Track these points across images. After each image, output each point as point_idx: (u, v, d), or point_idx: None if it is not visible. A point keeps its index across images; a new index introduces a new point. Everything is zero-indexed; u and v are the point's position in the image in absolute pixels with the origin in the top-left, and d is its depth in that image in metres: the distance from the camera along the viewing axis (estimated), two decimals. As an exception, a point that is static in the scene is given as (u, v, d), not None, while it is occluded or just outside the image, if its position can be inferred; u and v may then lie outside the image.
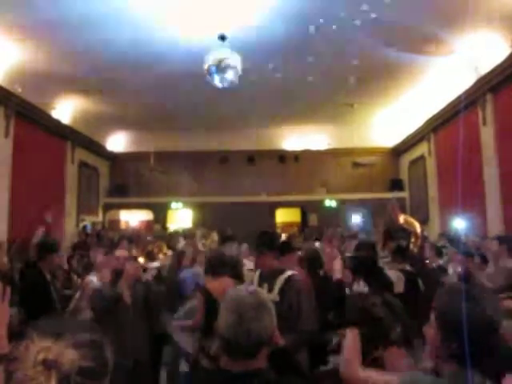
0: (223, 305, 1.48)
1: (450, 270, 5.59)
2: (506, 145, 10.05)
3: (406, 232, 4.19)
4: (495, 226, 10.05)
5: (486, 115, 10.71)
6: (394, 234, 4.10)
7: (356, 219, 15.74)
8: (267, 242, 3.35)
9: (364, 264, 3.45)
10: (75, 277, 5.81)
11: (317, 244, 8.37)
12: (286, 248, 4.38)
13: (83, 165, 15.36)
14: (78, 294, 4.24)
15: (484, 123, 10.82)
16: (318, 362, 3.41)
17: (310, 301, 3.26)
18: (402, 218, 4.30)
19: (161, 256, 7.01)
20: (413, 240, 4.14)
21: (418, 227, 4.26)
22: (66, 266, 6.06)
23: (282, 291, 3.05)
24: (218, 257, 3.52)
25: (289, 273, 3.20)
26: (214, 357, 1.66)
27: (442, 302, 1.49)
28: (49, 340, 0.87)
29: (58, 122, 12.94)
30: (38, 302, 3.69)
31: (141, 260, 5.45)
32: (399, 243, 3.92)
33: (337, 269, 3.01)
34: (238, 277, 3.77)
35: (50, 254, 4.14)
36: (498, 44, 9.32)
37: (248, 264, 6.15)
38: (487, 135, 10.72)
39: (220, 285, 3.35)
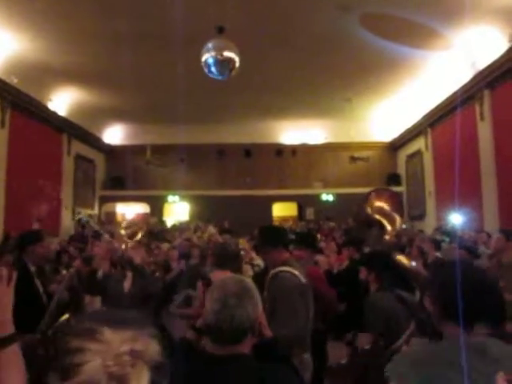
0: (209, 292, 1.51)
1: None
2: (503, 140, 10.07)
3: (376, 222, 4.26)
4: (491, 221, 10.09)
5: (484, 110, 10.72)
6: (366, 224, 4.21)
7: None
8: (269, 238, 3.22)
9: (378, 259, 3.41)
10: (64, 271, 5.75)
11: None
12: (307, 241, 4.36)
13: (79, 157, 15.30)
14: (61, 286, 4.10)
15: (481, 118, 10.84)
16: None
17: (296, 302, 2.83)
18: (374, 208, 4.35)
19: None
20: (389, 229, 4.18)
21: (393, 218, 4.30)
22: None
23: (267, 288, 2.95)
24: (223, 250, 3.51)
25: (279, 269, 2.98)
26: (199, 329, 1.67)
27: (437, 271, 1.64)
28: (127, 330, 0.83)
29: (54, 114, 12.87)
30: (22, 296, 3.56)
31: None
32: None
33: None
34: (239, 270, 3.76)
35: (31, 245, 3.80)
36: (496, 39, 9.31)
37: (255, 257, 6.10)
38: (484, 130, 10.74)
39: (222, 276, 3.37)
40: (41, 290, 3.80)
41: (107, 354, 0.78)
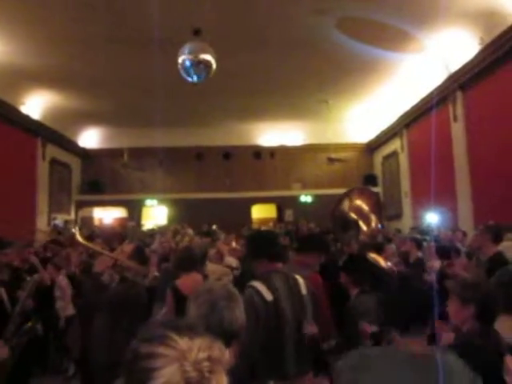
0: (194, 298, 1.49)
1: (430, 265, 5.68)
2: (475, 140, 10.32)
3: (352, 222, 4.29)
4: (466, 219, 10.32)
5: (457, 112, 10.97)
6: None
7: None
8: (250, 249, 3.00)
9: (353, 262, 3.37)
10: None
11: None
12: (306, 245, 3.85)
13: (54, 161, 14.98)
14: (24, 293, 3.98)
15: (455, 119, 11.08)
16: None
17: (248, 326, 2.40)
18: (349, 206, 4.39)
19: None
20: (365, 229, 4.23)
21: (370, 219, 4.35)
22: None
23: None
24: (187, 253, 3.46)
25: (249, 283, 2.65)
26: None
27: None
28: (200, 338, 0.86)
29: (27, 118, 12.59)
30: None
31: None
32: None
33: None
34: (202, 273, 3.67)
35: None
36: (468, 42, 9.54)
37: (230, 261, 6.01)
38: (458, 131, 10.99)
39: (189, 281, 3.30)
40: (5, 297, 3.75)
41: (185, 359, 0.80)
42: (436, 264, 5.03)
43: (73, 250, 6.16)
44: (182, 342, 0.83)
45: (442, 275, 4.45)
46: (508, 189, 8.85)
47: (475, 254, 5.14)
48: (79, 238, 3.97)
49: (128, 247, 4.17)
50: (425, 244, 6.16)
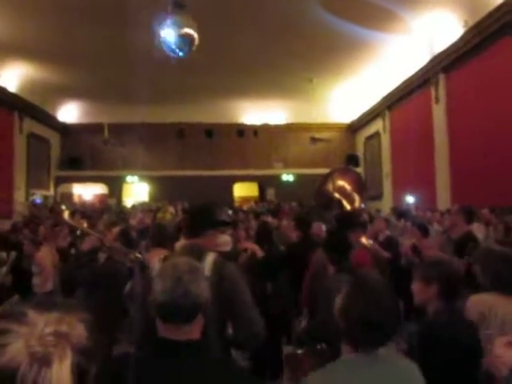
0: (158, 272, 1.51)
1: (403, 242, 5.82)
2: (456, 122, 10.45)
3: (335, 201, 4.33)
4: (444, 200, 10.51)
5: (439, 94, 11.05)
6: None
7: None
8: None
9: (332, 240, 3.39)
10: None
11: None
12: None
13: (32, 136, 14.63)
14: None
15: (436, 101, 11.17)
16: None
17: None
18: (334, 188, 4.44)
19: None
20: (348, 208, 4.29)
21: (353, 198, 4.42)
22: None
23: None
24: (160, 230, 3.48)
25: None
26: None
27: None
28: (53, 313, 0.84)
29: (4, 90, 12.21)
30: None
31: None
32: None
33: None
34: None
35: None
36: (452, 25, 9.56)
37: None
38: (439, 113, 11.09)
39: (155, 256, 3.33)
40: None
41: (31, 335, 0.79)
42: (406, 242, 5.15)
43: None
44: (33, 318, 0.82)
45: (414, 251, 4.57)
46: (486, 171, 9.03)
47: (447, 232, 5.27)
48: (66, 216, 3.98)
49: (114, 230, 4.22)
50: (399, 223, 6.28)
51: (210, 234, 2.39)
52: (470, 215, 4.33)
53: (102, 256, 3.75)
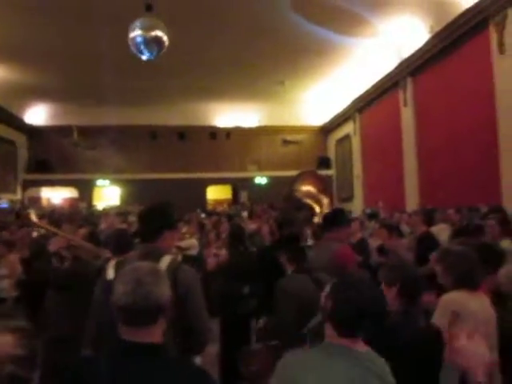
0: (119, 276, 1.51)
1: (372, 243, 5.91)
2: (423, 125, 10.72)
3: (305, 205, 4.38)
4: (412, 201, 10.75)
5: (407, 97, 11.31)
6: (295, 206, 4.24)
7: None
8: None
9: (291, 241, 3.43)
10: None
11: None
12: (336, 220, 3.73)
13: (-2, 138, 14.23)
14: None
15: (404, 104, 11.43)
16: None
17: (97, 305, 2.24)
18: (302, 191, 4.50)
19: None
20: (318, 211, 4.34)
21: (321, 200, 4.49)
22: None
23: None
24: (120, 237, 3.44)
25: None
26: None
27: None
28: None
29: (-34, 91, 11.84)
30: None
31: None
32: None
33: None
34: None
35: None
36: (419, 30, 9.80)
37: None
38: (407, 116, 11.36)
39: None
40: None
41: None
42: (375, 243, 5.24)
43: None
44: None
45: (382, 251, 4.66)
46: (452, 172, 9.29)
47: (413, 232, 5.40)
48: (34, 217, 3.90)
49: (82, 231, 4.14)
50: (370, 225, 6.39)
51: (167, 236, 2.31)
52: (428, 217, 4.45)
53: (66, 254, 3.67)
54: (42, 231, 5.34)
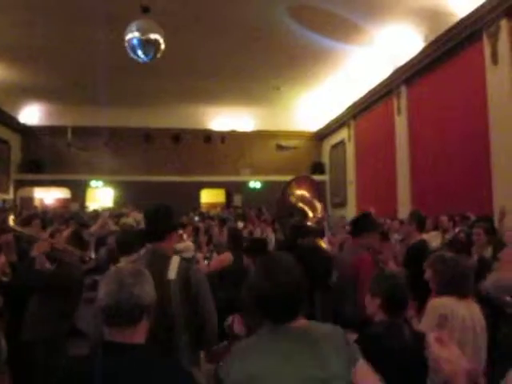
0: (104, 278, 1.52)
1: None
2: (416, 133, 10.80)
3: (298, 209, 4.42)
4: (404, 208, 10.80)
5: (401, 105, 11.40)
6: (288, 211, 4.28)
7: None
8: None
9: (255, 245, 3.50)
10: None
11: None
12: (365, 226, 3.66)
13: (-9, 137, 14.15)
14: None
15: (398, 112, 11.52)
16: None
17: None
18: (296, 195, 4.52)
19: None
20: (310, 216, 4.37)
21: (314, 205, 4.51)
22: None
23: None
24: (125, 237, 3.45)
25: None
26: None
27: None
28: None
29: (-40, 89, 11.78)
30: None
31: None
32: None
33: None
34: None
35: None
36: (413, 38, 9.90)
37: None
38: (401, 123, 11.44)
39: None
40: None
41: None
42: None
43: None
44: None
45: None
46: (444, 180, 9.36)
47: (405, 240, 5.42)
48: (11, 222, 3.85)
49: (66, 231, 4.14)
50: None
51: (172, 237, 2.44)
52: (421, 223, 4.48)
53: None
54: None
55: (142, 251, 2.75)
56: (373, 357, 1.60)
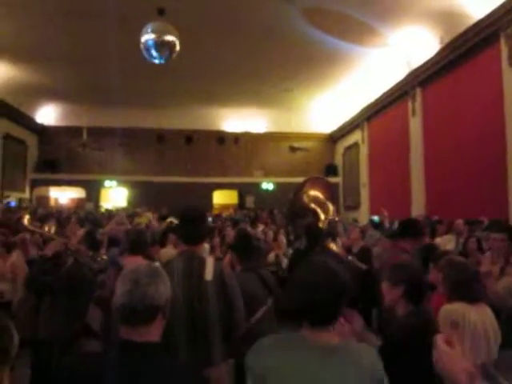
0: (120, 277, 1.55)
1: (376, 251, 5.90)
2: (431, 135, 10.70)
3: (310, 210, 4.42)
4: (419, 211, 10.70)
5: (415, 107, 11.30)
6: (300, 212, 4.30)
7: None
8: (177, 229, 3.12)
9: (239, 242, 3.55)
10: None
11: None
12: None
13: (8, 137, 14.35)
14: None
15: (413, 114, 11.42)
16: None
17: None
18: (310, 196, 4.52)
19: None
20: (322, 218, 4.37)
21: (327, 207, 4.50)
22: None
23: None
24: (137, 236, 3.48)
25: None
26: None
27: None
28: None
29: (-21, 90, 12.00)
30: None
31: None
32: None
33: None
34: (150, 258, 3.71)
35: None
36: (429, 41, 9.81)
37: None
38: (415, 125, 11.34)
39: (133, 262, 3.33)
40: None
41: None
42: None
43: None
44: None
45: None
46: (459, 183, 9.25)
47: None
48: (26, 222, 3.92)
49: (80, 231, 4.19)
50: (369, 233, 6.37)
51: (204, 241, 2.72)
52: (432, 228, 4.46)
53: (70, 260, 3.73)
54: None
55: (180, 252, 2.81)
56: (408, 347, 1.59)
